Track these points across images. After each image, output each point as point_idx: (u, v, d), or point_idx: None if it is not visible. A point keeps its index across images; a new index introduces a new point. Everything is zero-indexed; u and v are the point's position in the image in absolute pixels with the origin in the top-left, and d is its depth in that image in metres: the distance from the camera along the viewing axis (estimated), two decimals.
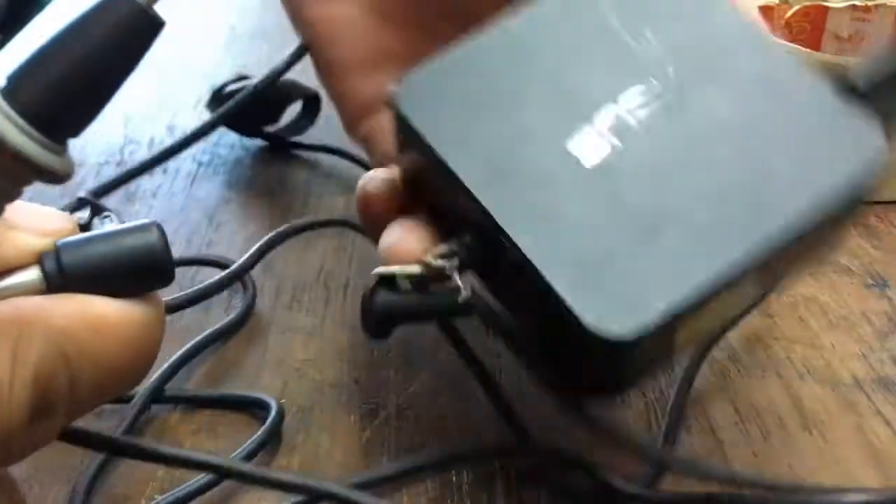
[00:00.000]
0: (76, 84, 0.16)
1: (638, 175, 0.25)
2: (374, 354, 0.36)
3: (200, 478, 0.29)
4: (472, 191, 0.25)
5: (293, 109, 0.52)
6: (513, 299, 0.26)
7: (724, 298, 0.24)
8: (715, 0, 0.28)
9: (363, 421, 0.33)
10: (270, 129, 0.52)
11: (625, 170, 0.25)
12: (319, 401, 0.34)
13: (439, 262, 0.26)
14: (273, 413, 0.32)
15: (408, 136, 0.27)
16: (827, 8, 0.55)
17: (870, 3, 0.54)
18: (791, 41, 0.48)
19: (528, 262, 0.24)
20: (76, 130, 0.17)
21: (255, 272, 0.40)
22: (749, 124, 0.25)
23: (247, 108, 0.48)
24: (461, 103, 0.27)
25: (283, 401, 0.34)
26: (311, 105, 0.53)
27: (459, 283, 0.25)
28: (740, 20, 0.27)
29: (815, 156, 0.25)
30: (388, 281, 0.26)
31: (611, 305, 0.23)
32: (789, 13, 0.55)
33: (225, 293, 0.39)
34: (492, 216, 0.25)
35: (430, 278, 0.26)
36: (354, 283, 0.41)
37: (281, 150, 0.52)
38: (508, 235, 0.24)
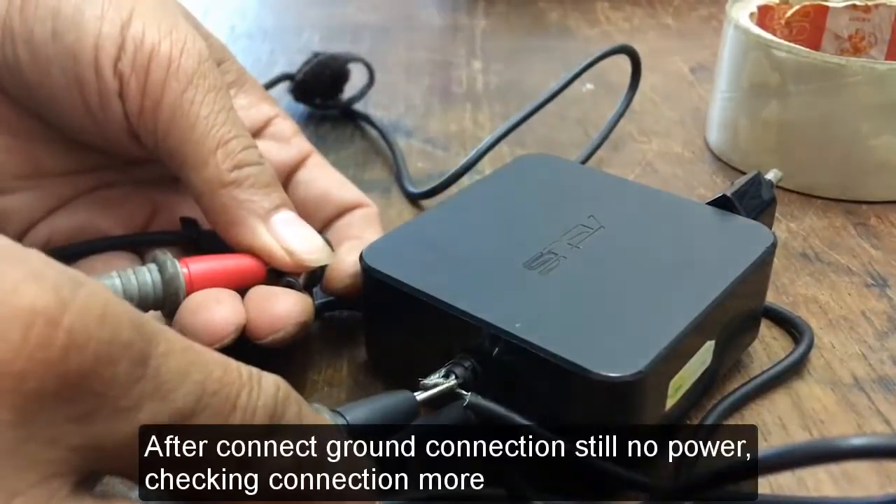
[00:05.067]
0: None
1: (590, 275, 0.31)
2: None
3: None
4: (458, 306, 0.29)
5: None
6: (511, 395, 0.29)
7: (690, 344, 0.29)
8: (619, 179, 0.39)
9: None
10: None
11: (578, 273, 0.31)
12: (319, 400, 0.34)
13: (438, 380, 0.29)
14: None
15: (381, 289, 0.31)
16: (827, 8, 0.55)
17: (870, 3, 0.54)
18: (791, 41, 0.48)
19: (531, 344, 0.28)
20: None
21: None
22: (672, 236, 0.34)
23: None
24: (424, 252, 0.32)
25: None
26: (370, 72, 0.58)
27: (462, 392, 0.28)
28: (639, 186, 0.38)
29: (728, 245, 0.33)
30: None
31: (608, 359, 0.27)
32: (789, 13, 0.55)
33: None
34: (484, 320, 0.29)
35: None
36: None
37: None
38: (504, 330, 0.28)
